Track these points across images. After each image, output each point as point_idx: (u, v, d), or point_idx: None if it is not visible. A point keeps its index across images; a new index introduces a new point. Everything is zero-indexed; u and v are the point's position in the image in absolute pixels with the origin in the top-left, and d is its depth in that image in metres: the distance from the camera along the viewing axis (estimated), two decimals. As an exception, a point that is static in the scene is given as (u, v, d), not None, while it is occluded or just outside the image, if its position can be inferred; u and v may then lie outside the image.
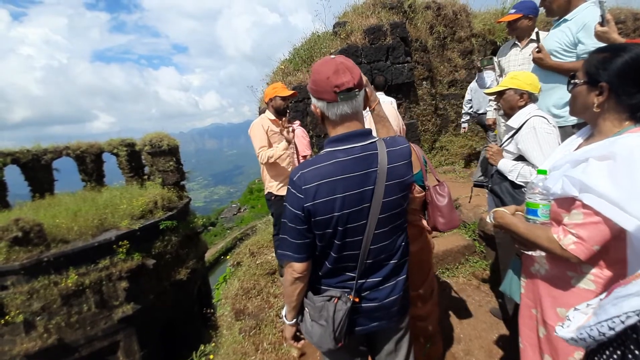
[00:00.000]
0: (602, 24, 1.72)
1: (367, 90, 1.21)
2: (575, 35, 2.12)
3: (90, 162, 12.94)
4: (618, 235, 0.94)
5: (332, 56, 1.13)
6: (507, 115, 2.03)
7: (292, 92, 2.97)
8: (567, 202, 1.03)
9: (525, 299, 1.26)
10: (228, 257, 4.09)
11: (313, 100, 1.15)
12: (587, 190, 0.95)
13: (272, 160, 2.77)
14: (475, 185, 2.20)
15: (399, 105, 5.56)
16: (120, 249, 8.79)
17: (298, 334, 1.31)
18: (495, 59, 3.16)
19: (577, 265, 1.05)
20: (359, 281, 1.18)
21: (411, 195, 1.84)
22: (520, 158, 1.93)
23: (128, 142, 12.82)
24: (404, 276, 1.28)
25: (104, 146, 13.04)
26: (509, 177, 1.95)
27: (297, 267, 1.15)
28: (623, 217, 0.88)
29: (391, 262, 1.22)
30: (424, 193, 1.94)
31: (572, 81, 1.10)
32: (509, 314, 2.32)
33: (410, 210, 1.91)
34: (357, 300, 1.18)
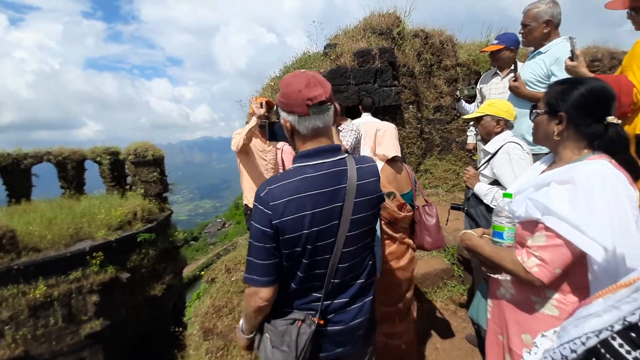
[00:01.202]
0: (572, 58, 1.80)
1: (335, 105, 1.20)
2: (549, 67, 2.21)
3: (71, 169, 12.59)
4: (579, 260, 0.94)
5: (303, 70, 1.12)
6: (484, 140, 2.09)
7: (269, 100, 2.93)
8: (531, 225, 1.03)
9: (492, 324, 1.24)
10: (203, 272, 3.95)
11: (283, 114, 1.11)
12: (549, 213, 0.95)
13: (242, 140, 2.52)
14: (452, 208, 2.21)
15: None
16: (94, 261, 8.44)
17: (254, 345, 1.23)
18: (477, 85, 3.27)
19: (540, 289, 1.03)
20: (325, 302, 1.12)
21: (401, 215, 1.87)
22: (496, 182, 1.97)
23: (112, 150, 12.58)
24: (371, 297, 1.24)
25: (87, 153, 12.75)
26: (484, 201, 1.97)
27: (263, 294, 1.07)
28: (582, 240, 0.88)
29: (358, 282, 1.18)
30: (412, 212, 1.98)
31: (534, 110, 1.13)
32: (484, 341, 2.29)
33: (399, 228, 1.93)
34: (322, 322, 1.12)
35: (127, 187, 12.77)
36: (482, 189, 1.98)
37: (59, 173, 12.55)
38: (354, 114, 4.50)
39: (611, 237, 0.86)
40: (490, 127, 2.00)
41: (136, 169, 11.89)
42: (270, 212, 1.01)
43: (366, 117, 4.15)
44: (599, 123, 1.00)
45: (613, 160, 0.98)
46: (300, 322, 1.08)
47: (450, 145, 6.23)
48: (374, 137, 1.88)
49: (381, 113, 5.56)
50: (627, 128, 1.69)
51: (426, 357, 2.46)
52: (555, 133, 1.06)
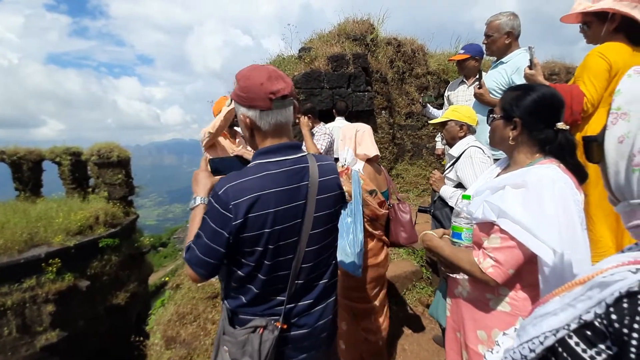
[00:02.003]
0: (530, 67, 1.90)
1: (295, 103, 1.18)
2: (510, 76, 2.32)
3: (27, 170, 11.76)
4: (531, 259, 0.98)
5: (261, 64, 1.11)
6: (449, 144, 2.17)
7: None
8: (487, 227, 1.06)
9: (450, 321, 1.26)
10: (167, 278, 3.78)
11: (242, 109, 1.06)
12: (504, 216, 0.98)
13: (211, 134, 2.34)
14: (419, 211, 2.26)
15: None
16: (50, 268, 7.89)
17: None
18: (445, 93, 3.39)
19: (494, 287, 1.07)
20: (288, 305, 1.08)
21: (382, 212, 1.91)
22: (461, 185, 2.03)
23: (73, 150, 11.88)
24: (334, 298, 1.22)
25: (46, 153, 11.97)
26: (449, 203, 2.03)
27: (195, 279, 1.05)
28: (533, 242, 0.92)
29: (322, 282, 1.16)
30: (388, 210, 2.03)
31: (491, 115, 1.17)
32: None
33: (378, 225, 1.97)
34: (285, 327, 1.07)
35: (90, 189, 12.10)
36: (447, 191, 2.04)
37: (13, 174, 11.68)
38: (328, 118, 4.52)
39: (559, 240, 0.90)
40: (454, 132, 2.09)
41: (99, 170, 11.31)
42: (230, 215, 0.96)
43: (340, 121, 4.19)
44: (550, 128, 1.05)
45: (562, 165, 1.03)
46: (261, 329, 1.03)
47: (421, 151, 6.40)
48: (354, 138, 1.93)
49: (354, 118, 5.63)
50: (578, 135, 1.80)
51: (394, 358, 2.48)
52: (510, 138, 1.10)
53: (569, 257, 0.90)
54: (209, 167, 1.27)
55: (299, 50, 5.72)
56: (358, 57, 5.45)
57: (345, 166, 1.89)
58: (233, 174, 1.04)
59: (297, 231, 1.05)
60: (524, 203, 0.96)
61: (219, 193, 0.99)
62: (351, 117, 5.58)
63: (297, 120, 3.71)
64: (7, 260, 7.49)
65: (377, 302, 2.02)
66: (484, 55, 3.06)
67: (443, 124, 2.14)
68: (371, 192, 1.88)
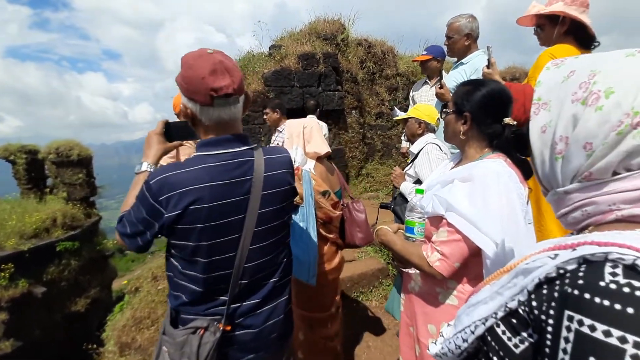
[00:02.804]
0: (488, 66, 1.96)
1: (248, 94, 1.12)
2: (469, 77, 2.39)
3: (-25, 169, 10.85)
4: (476, 252, 0.99)
5: (210, 51, 0.98)
6: (410, 141, 2.22)
7: None
8: (437, 221, 1.07)
9: (404, 316, 1.26)
10: (125, 282, 3.59)
11: (183, 98, 1.00)
12: (451, 210, 0.99)
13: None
14: (381, 207, 2.27)
15: (328, 131, 5.73)
16: (2, 274, 7.31)
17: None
18: (410, 93, 3.45)
19: (443, 281, 1.07)
20: (231, 305, 1.03)
21: (336, 213, 1.85)
22: (419, 181, 2.06)
23: (29, 148, 11.06)
24: (286, 297, 1.18)
25: (-2, 151, 11.09)
26: (409, 199, 2.04)
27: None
28: (477, 235, 0.93)
29: (271, 281, 1.12)
30: (342, 210, 1.97)
31: (444, 110, 1.18)
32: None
33: (332, 228, 1.91)
34: (228, 328, 1.02)
35: (47, 190, 11.34)
36: (406, 187, 2.06)
37: (-41, 173, 10.75)
38: (299, 116, 4.48)
39: (501, 232, 0.91)
40: (413, 129, 2.14)
41: (58, 169, 10.62)
42: (160, 208, 0.93)
43: (310, 118, 4.16)
44: (498, 123, 1.07)
45: (508, 159, 1.06)
46: (202, 330, 0.97)
47: (391, 151, 6.51)
48: (302, 135, 1.83)
49: (324, 117, 5.63)
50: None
51: (358, 356, 2.49)
52: (461, 132, 1.11)
53: (511, 249, 0.92)
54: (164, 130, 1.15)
55: (270, 48, 5.65)
56: (329, 56, 5.46)
57: (295, 166, 1.79)
58: (170, 164, 0.98)
59: (239, 228, 1.00)
60: (469, 196, 0.97)
61: (151, 183, 0.94)
62: (322, 117, 5.58)
63: (264, 117, 3.66)
64: (-49, 267, 6.87)
65: (333, 309, 1.97)
66: (446, 57, 3.15)
67: (405, 121, 2.20)
68: (324, 193, 1.81)
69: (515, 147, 1.07)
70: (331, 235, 1.92)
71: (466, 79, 2.42)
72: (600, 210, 0.48)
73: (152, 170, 1.08)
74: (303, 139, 1.83)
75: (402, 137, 3.94)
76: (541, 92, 0.54)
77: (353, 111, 6.00)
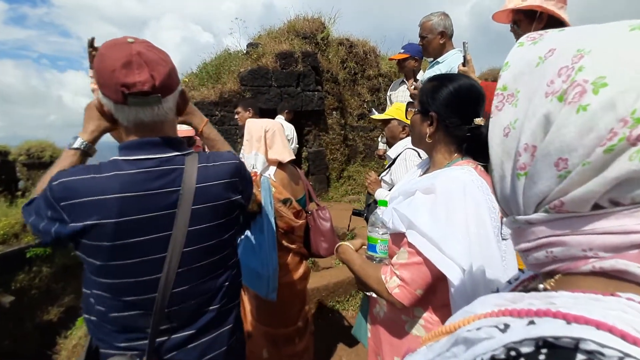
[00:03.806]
0: (464, 64, 1.85)
1: (185, 95, 0.96)
2: (445, 77, 2.28)
3: (-61, 172, 10.24)
4: (443, 276, 0.85)
5: (130, 40, 0.82)
6: (389, 144, 2.06)
7: None
8: (398, 238, 0.93)
9: (371, 342, 1.12)
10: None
11: (99, 93, 0.85)
12: (412, 227, 0.85)
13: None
14: (353, 214, 2.13)
15: (308, 132, 5.58)
16: (-37, 284, 6.88)
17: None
18: (387, 93, 3.33)
19: (410, 309, 0.93)
20: (157, 339, 0.87)
21: (298, 223, 1.71)
22: None
23: (-2, 149, 10.54)
24: (230, 325, 1.02)
25: (-37, 153, 10.50)
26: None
27: None
28: (440, 259, 0.79)
29: (209, 309, 0.96)
30: (306, 218, 1.84)
31: (409, 109, 1.05)
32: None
33: (295, 237, 1.77)
34: None
35: (19, 193, 10.81)
36: (382, 195, 1.91)
37: None
38: (275, 117, 4.32)
39: (468, 255, 0.78)
40: (396, 132, 1.98)
41: (29, 172, 10.11)
42: (62, 214, 0.79)
43: (279, 118, 3.99)
44: (467, 124, 0.94)
45: (479, 166, 0.92)
46: None
47: (373, 153, 6.40)
48: (263, 139, 1.66)
49: (305, 118, 5.49)
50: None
51: (333, 371, 2.34)
52: (427, 135, 0.98)
53: (481, 275, 0.78)
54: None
55: (247, 46, 5.47)
56: (308, 55, 5.31)
57: (253, 172, 1.63)
58: (80, 167, 0.84)
59: (163, 247, 0.84)
60: (431, 211, 0.83)
61: (54, 184, 0.79)
62: (301, 118, 5.44)
63: (236, 116, 3.47)
64: None
65: (300, 323, 1.83)
66: (423, 56, 3.04)
67: (386, 122, 2.01)
68: (285, 202, 1.67)
69: (475, 151, 0.94)
70: (293, 246, 1.77)
71: (442, 79, 2.33)
72: (572, 255, 0.34)
73: (85, 148, 0.94)
74: (265, 143, 1.67)
75: (380, 139, 3.82)
76: (507, 79, 0.39)
77: (334, 112, 5.87)
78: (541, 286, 0.40)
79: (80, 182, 0.79)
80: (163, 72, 0.82)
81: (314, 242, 1.80)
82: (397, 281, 0.86)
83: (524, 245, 0.39)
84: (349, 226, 2.11)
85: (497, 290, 0.56)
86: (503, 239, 0.88)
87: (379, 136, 6.48)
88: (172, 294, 0.87)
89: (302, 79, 5.24)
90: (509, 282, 0.55)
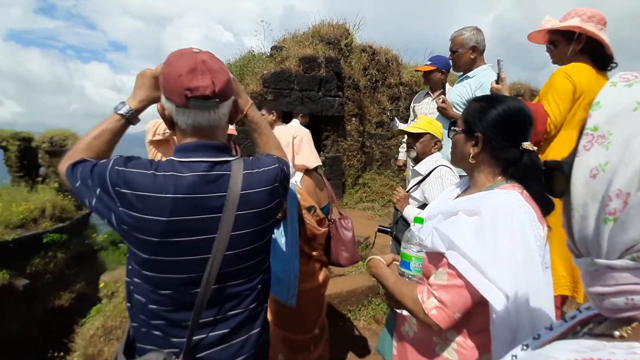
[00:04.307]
0: (497, 81, 1.82)
1: (238, 103, 1.02)
2: (474, 92, 2.25)
3: (-34, 154, 10.66)
4: (482, 301, 0.83)
5: (196, 50, 0.90)
6: (417, 159, 1.97)
7: None
8: (437, 258, 0.91)
9: (397, 361, 1.10)
10: (101, 285, 3.41)
11: (162, 97, 0.91)
12: (453, 248, 0.84)
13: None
14: (379, 231, 2.07)
15: (326, 137, 5.59)
16: (-19, 264, 7.11)
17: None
18: (411, 104, 3.31)
19: (443, 331, 0.91)
20: (194, 337, 0.89)
21: (321, 231, 1.71)
22: (426, 206, 1.88)
23: (23, 135, 10.92)
24: (259, 329, 1.03)
25: (-10, 137, 10.91)
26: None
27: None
28: (483, 283, 0.77)
29: (243, 309, 0.98)
30: (328, 227, 1.83)
31: (452, 128, 1.03)
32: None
33: (317, 245, 1.77)
34: None
35: (39, 179, 11.13)
36: (410, 212, 1.84)
37: (-51, 157, 10.56)
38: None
39: (513, 281, 0.76)
40: (428, 147, 1.91)
41: (51, 159, 10.47)
42: (114, 198, 0.83)
43: (294, 122, 4.01)
44: (515, 148, 0.92)
45: (525, 191, 0.91)
46: None
47: (390, 161, 6.36)
48: (291, 145, 1.68)
49: (324, 123, 5.49)
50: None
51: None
52: (471, 155, 0.97)
53: (525, 302, 0.76)
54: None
55: (271, 49, 5.52)
56: (331, 61, 5.32)
57: None
58: (142, 160, 0.88)
59: (207, 249, 0.88)
60: (476, 234, 0.82)
61: (112, 168, 0.84)
62: (320, 122, 5.45)
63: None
64: None
65: (316, 331, 1.82)
66: (450, 68, 3.02)
67: (416, 136, 1.94)
68: (309, 209, 1.67)
69: (522, 176, 0.92)
70: (314, 253, 1.78)
71: (471, 94, 2.28)
72: None
73: (129, 116, 0.98)
74: (292, 149, 1.68)
75: (400, 149, 3.78)
76: (599, 119, 0.38)
77: (353, 118, 5.86)
78: (617, 333, 0.38)
79: (139, 176, 0.83)
80: (223, 80, 0.88)
81: (334, 250, 1.79)
82: (435, 302, 0.84)
83: (600, 289, 0.38)
84: (373, 243, 2.09)
85: (551, 328, 0.54)
86: (545, 268, 0.86)
87: (396, 144, 6.44)
88: (212, 294, 0.90)
89: (324, 84, 5.26)
90: (564, 319, 0.54)
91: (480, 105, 0.96)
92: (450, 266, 0.83)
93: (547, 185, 0.50)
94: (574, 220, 0.41)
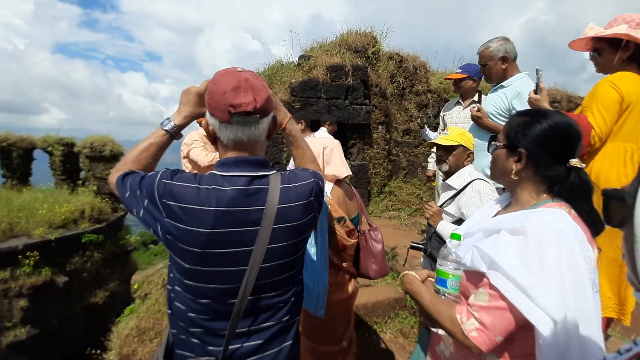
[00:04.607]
0: (536, 91, 1.76)
1: (277, 118, 1.04)
2: (510, 101, 2.18)
3: (16, 157, 11.53)
4: (525, 324, 0.80)
5: (240, 69, 0.95)
6: (450, 172, 1.90)
7: None
8: (476, 277, 0.88)
9: (431, 383, 1.07)
10: (135, 286, 3.55)
11: (207, 114, 0.96)
12: (495, 268, 0.81)
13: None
14: (411, 248, 2.00)
15: (352, 145, 5.58)
16: (27, 261, 7.58)
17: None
18: (441, 113, 3.25)
19: (481, 353, 0.88)
20: (230, 346, 0.92)
21: (350, 242, 1.70)
22: (461, 221, 1.82)
23: (66, 141, 11.68)
24: (291, 341, 1.04)
25: (38, 142, 11.76)
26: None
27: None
28: (528, 306, 0.74)
29: (277, 321, 0.99)
30: (358, 238, 1.81)
31: (493, 143, 1.01)
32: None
33: (346, 256, 1.76)
34: None
35: (80, 182, 11.83)
36: (446, 229, 1.78)
37: (2, 160, 11.47)
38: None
39: (562, 307, 0.72)
40: (461, 159, 1.85)
41: (91, 163, 11.10)
42: (160, 209, 0.88)
43: (322, 131, 4.06)
44: (562, 165, 0.88)
45: (572, 211, 0.86)
46: None
47: (416, 169, 6.25)
48: (321, 155, 1.69)
49: (350, 131, 5.50)
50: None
51: (368, 396, 2.27)
52: (514, 171, 0.93)
53: (574, 330, 0.72)
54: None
55: (299, 58, 5.61)
56: (358, 69, 5.33)
57: None
58: (187, 174, 0.92)
59: (245, 261, 0.90)
60: (521, 255, 0.78)
61: (161, 182, 0.89)
62: (347, 130, 5.46)
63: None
64: (-19, 250, 7.19)
65: (344, 343, 1.80)
66: (482, 76, 2.94)
67: (447, 148, 1.86)
68: (339, 220, 1.66)
69: (569, 194, 0.87)
70: (344, 264, 1.76)
71: (507, 103, 2.21)
72: None
73: (173, 131, 1.04)
74: (323, 160, 1.69)
75: (429, 159, 3.70)
76: None
77: (380, 126, 5.82)
78: None
79: (184, 189, 0.87)
80: (264, 97, 0.92)
81: (363, 262, 1.77)
82: (475, 324, 0.81)
83: None
84: (406, 260, 2.05)
85: (604, 359, 0.51)
86: (595, 292, 0.82)
87: (423, 153, 6.32)
88: (248, 305, 0.92)
89: (351, 92, 5.27)
90: (619, 352, 0.51)
91: (524, 120, 0.92)
92: (491, 287, 0.81)
93: (604, 214, 0.48)
94: (636, 253, 0.39)
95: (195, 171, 2.50)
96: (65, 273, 8.46)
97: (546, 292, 0.73)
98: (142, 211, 0.90)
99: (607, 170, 1.61)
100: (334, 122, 4.51)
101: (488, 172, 2.19)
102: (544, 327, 0.72)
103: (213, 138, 0.98)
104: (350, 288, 1.81)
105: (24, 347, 7.48)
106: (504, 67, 2.23)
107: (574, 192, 0.86)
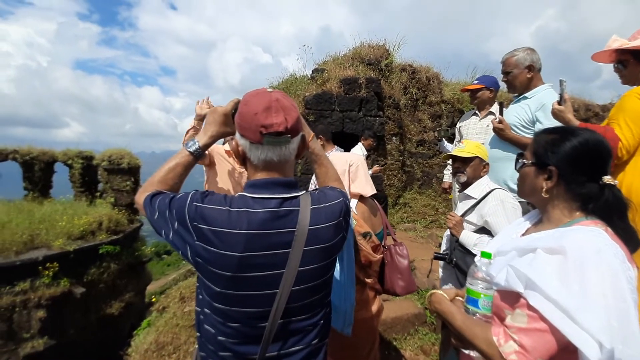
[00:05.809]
0: (559, 102, 1.74)
1: (306, 138, 1.05)
2: (534, 113, 2.15)
3: (38, 170, 11.91)
4: (567, 347, 0.77)
5: (269, 89, 0.96)
6: (467, 183, 1.93)
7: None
8: (512, 297, 0.86)
9: (462, 407, 1.03)
10: (154, 299, 3.58)
11: (237, 135, 0.96)
12: (533, 288, 0.79)
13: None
14: (435, 258, 2.00)
15: (367, 157, 5.58)
16: (46, 272, 7.75)
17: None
18: (457, 124, 3.23)
19: (519, 377, 0.85)
20: None
21: (376, 257, 1.69)
22: (482, 230, 1.81)
23: (85, 154, 12.01)
24: None
25: (58, 155, 12.14)
26: (473, 252, 1.79)
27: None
28: (572, 329, 0.71)
29: (306, 344, 0.98)
30: (383, 254, 1.79)
31: (520, 160, 0.99)
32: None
33: (372, 272, 1.74)
34: None
35: (98, 194, 12.13)
36: (470, 238, 1.79)
37: (24, 173, 11.85)
38: (338, 140, 4.40)
39: (608, 329, 0.69)
40: (478, 170, 1.90)
41: (109, 176, 11.37)
42: (191, 232, 0.87)
43: (356, 149, 4.06)
44: (594, 182, 0.87)
45: (609, 229, 0.84)
46: None
47: (431, 180, 6.20)
48: (347, 173, 1.69)
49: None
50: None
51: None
52: (544, 189, 0.92)
53: (620, 355, 0.69)
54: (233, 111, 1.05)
55: (312, 71, 5.69)
56: (371, 81, 5.37)
57: None
58: (217, 196, 0.92)
59: (276, 284, 0.89)
60: (560, 275, 0.76)
61: (192, 205, 0.88)
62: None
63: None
64: (2, 262, 7.37)
65: None
66: (499, 87, 2.93)
67: (464, 160, 1.91)
68: (365, 235, 1.64)
69: (604, 212, 0.85)
70: (369, 280, 1.74)
71: (530, 115, 2.18)
72: None
73: (196, 154, 1.05)
74: (348, 177, 1.69)
75: (445, 171, 3.67)
76: None
77: (393, 138, 5.82)
78: None
79: (216, 212, 0.87)
80: (294, 117, 0.93)
81: (389, 278, 1.74)
82: (514, 346, 0.79)
83: None
84: (430, 271, 2.01)
85: None
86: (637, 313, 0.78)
87: (437, 163, 6.27)
88: (278, 329, 0.91)
89: (365, 104, 5.30)
90: None
91: (553, 138, 0.91)
92: (530, 308, 0.78)
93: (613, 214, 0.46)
94: None
95: (236, 163, 2.46)
96: (83, 284, 8.59)
97: (590, 313, 0.71)
98: (171, 233, 0.90)
99: (638, 185, 1.57)
100: (369, 136, 4.35)
101: (510, 184, 2.18)
102: (589, 350, 0.69)
103: (243, 159, 0.99)
104: (375, 306, 1.77)
105: (40, 358, 7.58)
106: (529, 76, 2.21)
107: (608, 209, 0.84)
